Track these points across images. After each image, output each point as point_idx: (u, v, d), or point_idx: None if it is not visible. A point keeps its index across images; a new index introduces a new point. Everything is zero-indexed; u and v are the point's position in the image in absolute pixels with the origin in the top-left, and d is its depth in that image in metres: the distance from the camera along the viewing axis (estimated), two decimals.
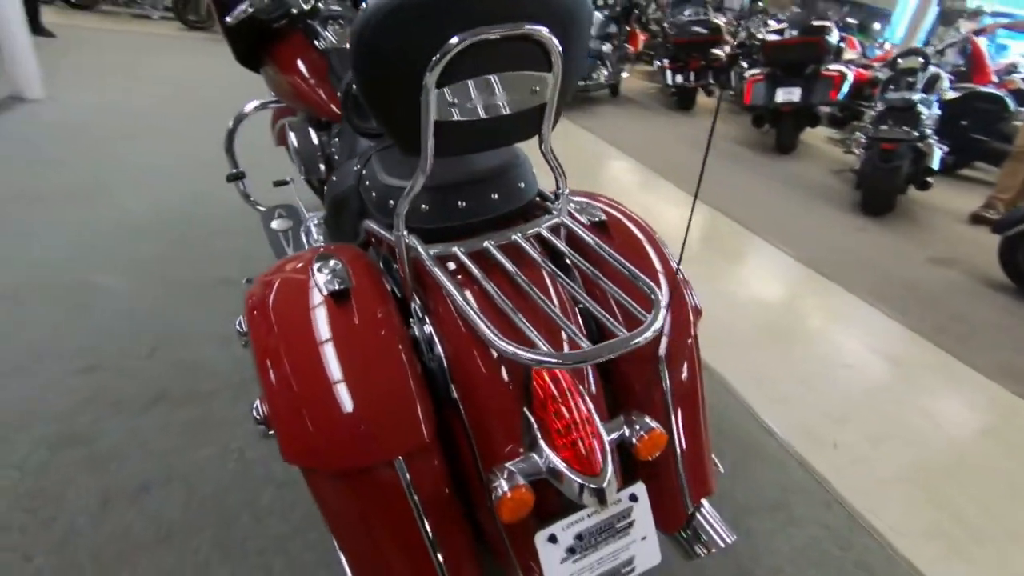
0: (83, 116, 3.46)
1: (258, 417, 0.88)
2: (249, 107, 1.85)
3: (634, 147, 4.50)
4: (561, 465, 0.75)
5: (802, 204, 3.78)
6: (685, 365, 0.99)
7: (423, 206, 0.88)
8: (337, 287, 0.85)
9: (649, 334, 0.72)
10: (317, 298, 0.85)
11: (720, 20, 6.15)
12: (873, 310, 2.48)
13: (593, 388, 0.88)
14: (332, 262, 0.90)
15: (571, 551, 0.80)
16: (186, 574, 1.10)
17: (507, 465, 0.77)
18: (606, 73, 5.86)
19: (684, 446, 0.98)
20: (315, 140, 1.56)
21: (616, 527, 0.83)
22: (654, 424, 0.82)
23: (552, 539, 0.78)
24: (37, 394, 1.47)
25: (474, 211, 0.90)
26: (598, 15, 6.01)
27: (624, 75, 6.30)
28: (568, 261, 0.90)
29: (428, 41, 0.65)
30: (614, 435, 0.82)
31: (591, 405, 0.81)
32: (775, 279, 2.70)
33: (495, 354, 0.82)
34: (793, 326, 2.28)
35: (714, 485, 1.02)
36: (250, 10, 1.40)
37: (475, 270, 0.81)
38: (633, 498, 0.83)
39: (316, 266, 0.89)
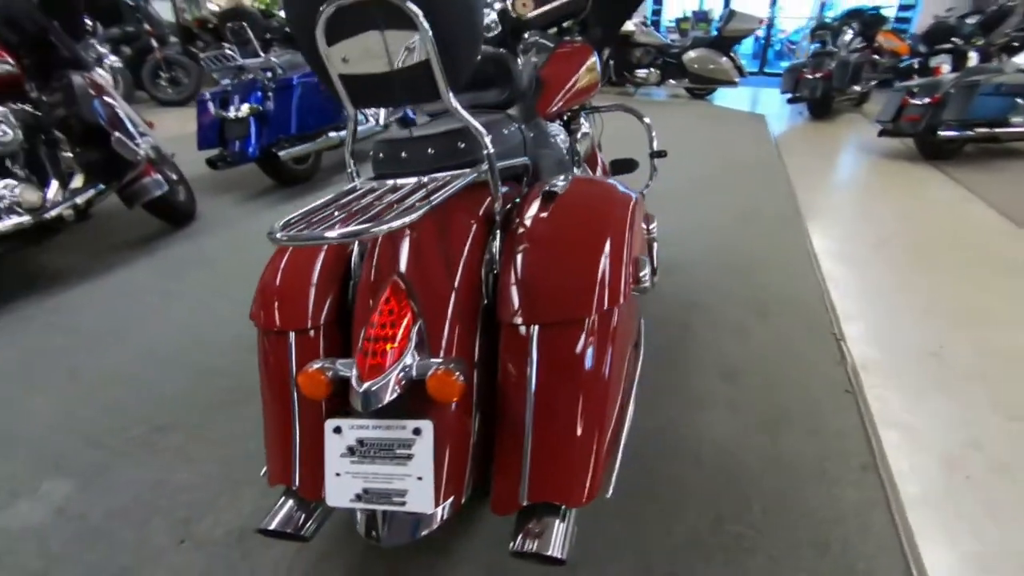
0: None
1: None
2: None
3: None
4: (352, 368, 0.84)
5: None
6: (573, 342, 0.87)
7: (380, 155, 1.08)
8: None
9: (397, 223, 0.74)
10: None
11: None
12: None
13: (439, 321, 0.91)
14: None
15: (351, 451, 0.86)
16: None
17: (335, 360, 0.89)
18: None
19: (541, 431, 0.87)
20: None
21: (395, 452, 0.84)
22: (452, 368, 0.80)
23: (337, 430, 0.87)
24: None
25: (412, 162, 1.04)
26: None
27: None
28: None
29: (313, 9, 0.87)
30: (420, 364, 0.83)
31: (412, 331, 0.86)
32: None
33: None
34: None
35: (581, 498, 0.86)
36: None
37: (353, 195, 0.95)
38: (416, 432, 0.83)
39: None
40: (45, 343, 1.95)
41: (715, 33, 7.41)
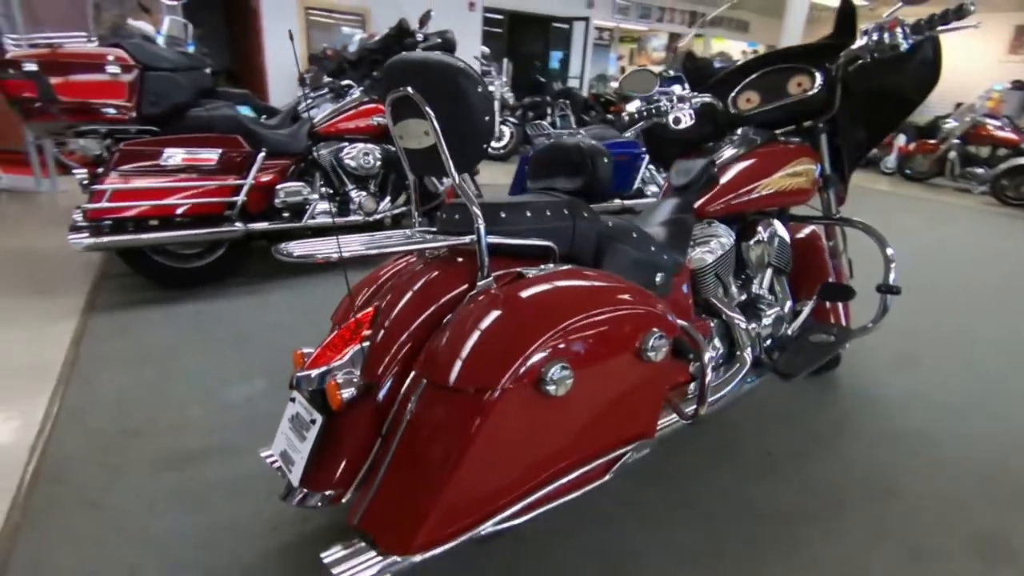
0: None
1: None
2: None
3: None
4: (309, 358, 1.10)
5: None
6: (445, 408, 0.94)
7: (436, 215, 1.29)
8: None
9: (335, 256, 0.96)
10: None
11: None
12: None
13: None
14: None
15: (291, 420, 1.11)
16: None
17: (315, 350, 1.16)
18: None
19: (392, 472, 0.95)
20: None
21: (302, 432, 1.05)
22: (342, 382, 0.99)
23: (292, 400, 1.13)
24: None
25: (443, 223, 1.21)
26: None
27: None
28: None
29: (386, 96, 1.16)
30: (339, 370, 1.03)
31: (353, 349, 1.07)
32: None
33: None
34: None
35: (394, 547, 0.91)
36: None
37: (375, 235, 1.18)
38: (312, 421, 1.02)
39: None
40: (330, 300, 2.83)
41: None
